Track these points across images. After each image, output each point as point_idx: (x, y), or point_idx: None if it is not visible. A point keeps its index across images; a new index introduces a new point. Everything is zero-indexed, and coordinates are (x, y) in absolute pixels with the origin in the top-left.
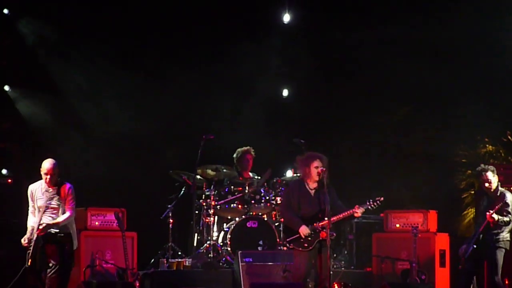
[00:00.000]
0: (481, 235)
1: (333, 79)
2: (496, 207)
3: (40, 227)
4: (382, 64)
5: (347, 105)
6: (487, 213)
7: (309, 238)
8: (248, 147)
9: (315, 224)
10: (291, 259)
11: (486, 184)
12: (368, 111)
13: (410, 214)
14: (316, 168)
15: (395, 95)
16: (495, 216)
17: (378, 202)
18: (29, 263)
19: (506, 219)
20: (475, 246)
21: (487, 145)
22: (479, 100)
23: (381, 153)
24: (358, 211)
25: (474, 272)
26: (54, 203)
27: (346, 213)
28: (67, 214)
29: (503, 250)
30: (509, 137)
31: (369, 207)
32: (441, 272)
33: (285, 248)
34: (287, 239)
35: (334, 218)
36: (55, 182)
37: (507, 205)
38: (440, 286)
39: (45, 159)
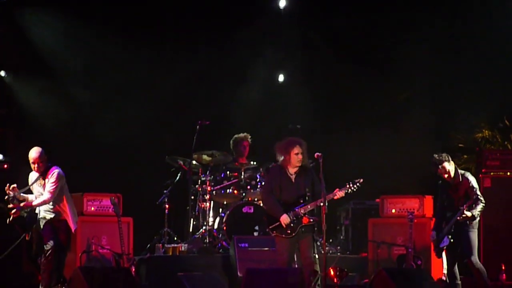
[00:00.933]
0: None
1: (330, 63)
2: (465, 206)
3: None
4: (380, 47)
5: (345, 89)
6: (459, 215)
7: (292, 225)
8: (245, 134)
9: (296, 209)
10: None
11: (446, 176)
12: (365, 95)
13: (406, 199)
14: (296, 154)
15: (393, 79)
16: (468, 213)
17: (357, 184)
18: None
19: (478, 208)
20: (451, 240)
21: (484, 130)
22: (476, 85)
23: (377, 138)
24: (338, 194)
25: (456, 259)
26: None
27: (325, 197)
28: (44, 197)
29: (476, 230)
30: (506, 121)
31: (349, 190)
32: (437, 258)
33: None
34: (270, 227)
35: (313, 203)
36: (43, 169)
37: (473, 188)
38: (436, 271)
39: (41, 144)
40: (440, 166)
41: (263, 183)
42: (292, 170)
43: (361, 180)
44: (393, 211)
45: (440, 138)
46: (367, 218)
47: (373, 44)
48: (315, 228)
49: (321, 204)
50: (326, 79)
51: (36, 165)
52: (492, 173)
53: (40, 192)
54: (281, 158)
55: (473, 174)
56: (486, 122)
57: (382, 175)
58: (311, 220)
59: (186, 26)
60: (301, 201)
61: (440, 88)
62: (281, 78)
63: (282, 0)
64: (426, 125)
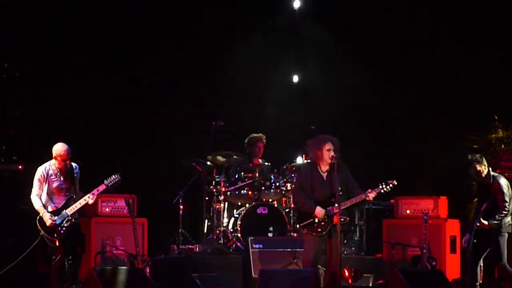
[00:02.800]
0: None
1: (345, 64)
2: (481, 208)
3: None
4: (395, 46)
5: (360, 90)
6: (476, 223)
7: (322, 223)
8: (260, 134)
9: (328, 208)
10: (302, 245)
11: (476, 177)
12: (381, 96)
13: (421, 200)
14: (328, 151)
15: (409, 79)
16: (485, 222)
17: (391, 185)
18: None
19: (497, 217)
20: (475, 241)
21: (498, 130)
22: (491, 85)
23: (393, 139)
24: (370, 195)
25: (478, 261)
26: (67, 184)
27: (357, 197)
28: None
29: (505, 235)
30: None
31: (382, 190)
32: (452, 258)
33: (295, 234)
34: (301, 224)
35: (346, 202)
36: (68, 165)
37: (502, 192)
38: (450, 272)
39: (55, 145)
40: (470, 167)
41: (277, 184)
42: (324, 168)
43: (395, 182)
44: (408, 212)
45: (454, 139)
46: (381, 219)
47: (389, 44)
48: (351, 228)
49: (349, 203)
50: (341, 80)
51: (68, 161)
52: (506, 174)
53: (63, 186)
54: (313, 155)
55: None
56: (501, 123)
57: (397, 176)
58: (342, 219)
59: (200, 22)
60: (333, 200)
61: (455, 89)
62: (295, 78)
63: (296, 1)
64: (441, 126)
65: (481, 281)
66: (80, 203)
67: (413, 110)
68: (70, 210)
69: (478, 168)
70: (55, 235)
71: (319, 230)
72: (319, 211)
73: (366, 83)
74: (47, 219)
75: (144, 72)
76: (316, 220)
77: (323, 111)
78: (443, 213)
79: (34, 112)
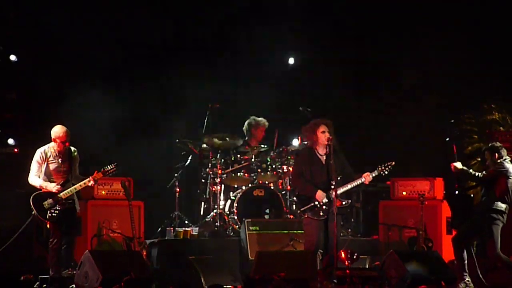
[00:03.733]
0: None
1: (340, 46)
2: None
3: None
4: (391, 29)
5: (355, 73)
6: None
7: (324, 207)
8: (264, 120)
9: (330, 192)
10: (298, 227)
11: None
12: (376, 78)
13: (416, 181)
14: (323, 133)
15: (404, 61)
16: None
17: (390, 166)
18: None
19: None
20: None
21: (494, 112)
22: (486, 68)
23: (389, 121)
24: (367, 178)
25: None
26: (66, 167)
27: (355, 181)
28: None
29: (500, 224)
30: None
31: (381, 172)
32: (448, 240)
33: (291, 216)
34: (302, 209)
35: (344, 186)
36: (67, 147)
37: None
38: (447, 253)
39: (51, 128)
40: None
41: (273, 166)
42: (321, 151)
43: (393, 163)
44: (404, 193)
45: (450, 121)
46: (378, 200)
47: (384, 23)
48: (348, 210)
49: (348, 186)
50: (338, 62)
51: (67, 143)
52: None
53: (61, 168)
54: (309, 140)
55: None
56: (496, 105)
57: (393, 158)
58: (344, 202)
59: (197, 8)
60: (333, 183)
61: (450, 71)
62: (291, 61)
63: None
64: (437, 108)
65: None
66: (80, 185)
67: (408, 92)
68: (64, 194)
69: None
70: (47, 217)
71: (321, 213)
72: (320, 194)
73: (361, 66)
74: (53, 187)
75: (141, 56)
76: (318, 204)
77: (319, 93)
78: (439, 194)
79: (30, 95)
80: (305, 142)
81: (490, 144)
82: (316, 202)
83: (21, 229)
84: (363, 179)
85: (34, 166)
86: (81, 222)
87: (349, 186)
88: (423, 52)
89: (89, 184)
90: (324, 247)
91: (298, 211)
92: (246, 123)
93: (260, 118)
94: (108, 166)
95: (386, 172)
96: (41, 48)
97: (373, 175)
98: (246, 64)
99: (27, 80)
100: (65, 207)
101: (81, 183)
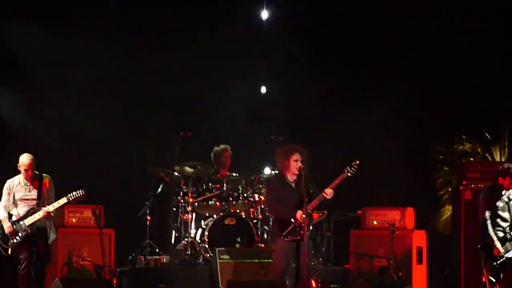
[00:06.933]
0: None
1: (310, 76)
2: None
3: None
4: (362, 57)
5: (326, 102)
6: None
7: (303, 225)
8: (225, 146)
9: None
10: (269, 256)
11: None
12: (347, 107)
13: (387, 211)
14: (296, 161)
15: (377, 88)
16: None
17: (355, 166)
18: (9, 252)
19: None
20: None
21: (464, 143)
22: (456, 97)
23: (359, 151)
24: (327, 192)
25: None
26: (33, 195)
27: (318, 197)
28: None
29: None
30: (486, 134)
31: (348, 173)
32: (418, 269)
33: (262, 245)
34: (284, 233)
35: (311, 204)
36: (34, 176)
37: None
38: (417, 283)
39: (20, 154)
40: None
41: (245, 195)
42: (291, 178)
43: (357, 162)
44: (375, 222)
45: (421, 151)
46: (349, 229)
47: (356, 55)
48: (318, 240)
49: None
50: (307, 93)
51: (29, 171)
52: (472, 185)
53: (29, 195)
54: (280, 164)
55: (454, 186)
56: (466, 135)
57: (364, 187)
58: (321, 214)
59: (168, 35)
60: (306, 200)
61: (423, 101)
62: (263, 89)
63: (264, 12)
64: (407, 138)
65: None
66: (39, 215)
67: (380, 120)
68: (28, 221)
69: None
70: (9, 244)
71: (302, 232)
72: (300, 213)
73: (333, 94)
74: (7, 226)
75: (113, 80)
76: (297, 224)
77: (290, 122)
78: (410, 224)
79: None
80: (276, 171)
81: None
82: (295, 222)
83: None
84: (325, 194)
85: (3, 195)
86: (51, 250)
87: (314, 204)
88: (396, 81)
89: (45, 215)
90: (296, 275)
91: (281, 237)
92: (211, 154)
93: (222, 145)
94: (76, 191)
95: (353, 172)
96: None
97: (342, 177)
98: (218, 92)
99: None
100: (27, 233)
101: (40, 212)
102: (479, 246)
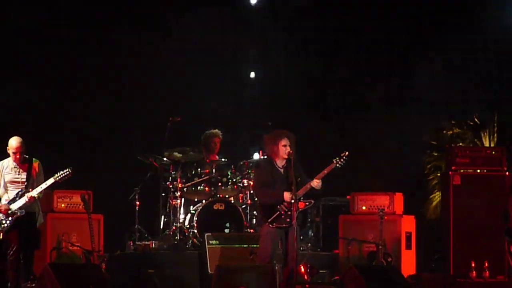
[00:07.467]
0: None
1: (302, 61)
2: None
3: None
4: (350, 45)
5: (317, 88)
6: None
7: (289, 213)
8: (216, 130)
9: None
10: (258, 242)
11: None
12: (336, 91)
13: (376, 196)
14: (284, 146)
15: (366, 78)
16: None
17: (344, 158)
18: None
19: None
20: None
21: (454, 127)
22: (447, 82)
23: (349, 136)
24: (315, 181)
25: None
26: (23, 177)
27: (306, 185)
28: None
29: None
30: (476, 119)
31: (337, 165)
32: (407, 254)
33: (251, 230)
34: (269, 220)
35: (299, 191)
36: (24, 159)
37: None
38: (406, 268)
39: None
40: None
41: (234, 180)
42: (280, 163)
43: (347, 153)
44: (364, 208)
45: (411, 135)
46: (337, 215)
47: (343, 43)
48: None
49: (302, 193)
50: (297, 76)
51: (18, 155)
52: (462, 171)
53: (19, 178)
54: (269, 150)
55: (443, 172)
56: (456, 120)
57: (353, 172)
58: (307, 203)
59: (155, 20)
60: (293, 188)
61: (411, 86)
62: (252, 74)
63: None
64: (396, 123)
65: None
66: (24, 200)
67: (369, 106)
68: (16, 204)
69: None
70: (0, 227)
71: (288, 220)
72: (288, 194)
73: (322, 78)
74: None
75: (103, 66)
76: (283, 210)
77: (279, 107)
78: (399, 209)
79: None
80: (265, 156)
81: None
82: (281, 209)
83: None
84: (313, 184)
85: None
86: (40, 235)
87: (302, 192)
88: (385, 67)
89: (33, 195)
90: (284, 260)
91: (266, 223)
92: (201, 137)
93: (213, 130)
94: (61, 172)
95: (342, 163)
96: None
97: (331, 168)
98: (207, 77)
99: None
100: (17, 216)
101: (23, 198)
102: (505, 229)
